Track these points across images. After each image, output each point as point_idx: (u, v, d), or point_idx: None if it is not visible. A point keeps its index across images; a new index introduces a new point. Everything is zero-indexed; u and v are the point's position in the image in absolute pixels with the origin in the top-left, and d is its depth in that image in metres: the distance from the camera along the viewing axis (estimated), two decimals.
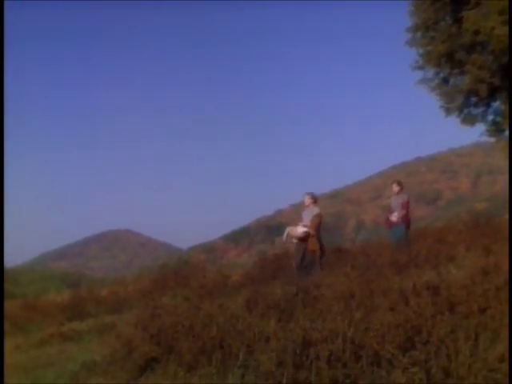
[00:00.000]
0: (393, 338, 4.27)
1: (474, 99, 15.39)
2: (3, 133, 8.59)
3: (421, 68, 15.68)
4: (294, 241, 10.28)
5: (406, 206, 11.53)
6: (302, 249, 10.12)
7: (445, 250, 9.58)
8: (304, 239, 10.06)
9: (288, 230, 10.43)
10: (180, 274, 14.72)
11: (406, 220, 11.44)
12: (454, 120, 15.84)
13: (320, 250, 10.04)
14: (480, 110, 15.63)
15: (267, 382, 4.20)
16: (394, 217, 11.39)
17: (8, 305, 13.43)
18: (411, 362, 4.00)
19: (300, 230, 10.11)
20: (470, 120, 15.72)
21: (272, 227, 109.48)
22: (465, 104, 15.53)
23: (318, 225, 10.25)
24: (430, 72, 15.60)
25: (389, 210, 11.80)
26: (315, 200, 10.63)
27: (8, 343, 8.00)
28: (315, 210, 10.41)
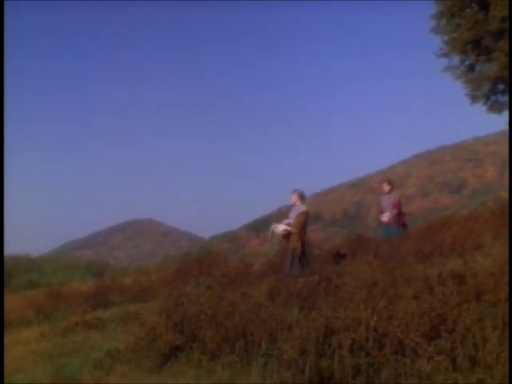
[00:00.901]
0: (417, 326, 4.23)
1: (501, 86, 15.08)
2: (3, 131, 8.59)
3: (446, 55, 15.40)
4: (278, 238, 10.29)
5: (397, 205, 11.07)
6: (286, 246, 10.10)
7: (471, 238, 9.36)
8: (287, 237, 9.97)
9: (272, 227, 10.33)
10: (203, 263, 14.74)
11: (399, 220, 11.00)
12: (479, 108, 15.56)
13: (301, 249, 9.82)
14: (507, 97, 15.32)
15: (290, 370, 4.19)
16: (386, 217, 10.97)
17: (33, 293, 13.67)
18: (436, 351, 3.96)
19: (281, 227, 10.02)
20: (496, 108, 15.40)
21: None
22: (492, 91, 15.24)
23: (302, 223, 10.05)
24: (456, 59, 15.34)
25: (380, 210, 11.40)
26: (302, 198, 10.42)
27: (33, 331, 8.13)
28: (301, 207, 10.23)
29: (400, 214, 11.01)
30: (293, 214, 10.21)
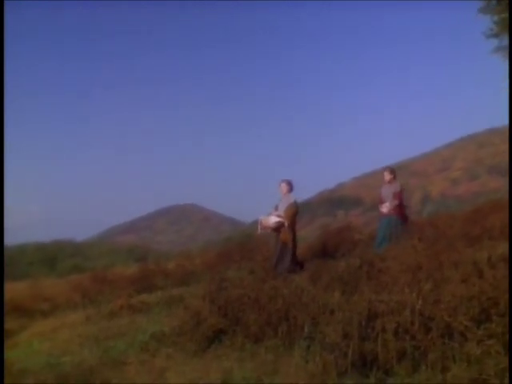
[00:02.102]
0: (466, 310, 4.14)
1: None
2: (3, 130, 8.67)
3: (496, 36, 14.94)
4: (268, 231, 9.77)
5: (398, 195, 10.34)
6: (278, 239, 9.63)
7: None
8: (277, 229, 9.56)
9: (261, 219, 9.85)
10: (244, 248, 14.79)
11: (400, 212, 10.30)
12: None
13: (292, 242, 9.46)
14: None
15: (333, 353, 4.17)
16: (385, 207, 10.26)
17: (78, 277, 13.98)
18: (487, 335, 3.87)
19: (272, 219, 9.58)
20: None
21: (334, 201, 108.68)
22: None
23: (293, 215, 9.65)
24: (506, 40, 14.84)
25: (380, 200, 10.66)
26: (291, 188, 9.95)
27: (79, 314, 8.30)
28: (290, 198, 9.81)
29: (401, 205, 10.35)
30: (282, 206, 9.78)
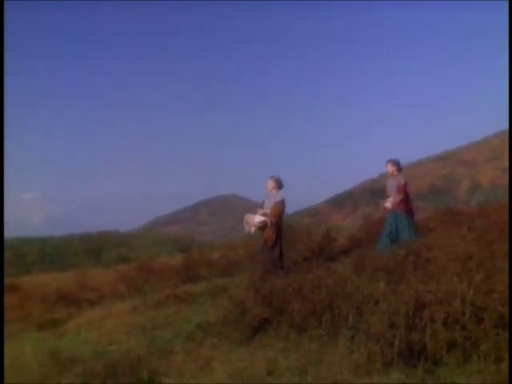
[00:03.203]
0: None
1: None
2: (3, 128, 8.74)
3: None
4: (253, 229, 9.41)
5: (402, 189, 9.60)
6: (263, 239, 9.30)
7: None
8: (263, 229, 9.22)
9: (246, 217, 9.56)
10: (287, 238, 14.76)
11: (405, 206, 9.61)
12: None
13: (275, 241, 9.07)
14: None
15: (378, 343, 4.13)
16: (389, 202, 9.60)
17: (124, 267, 14.23)
18: None
19: (257, 219, 9.28)
20: None
21: (376, 190, 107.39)
22: None
23: (279, 213, 9.27)
24: None
25: (385, 194, 9.93)
26: (279, 185, 9.55)
27: (126, 304, 8.43)
28: (278, 196, 9.42)
29: (406, 200, 9.66)
30: (269, 203, 9.45)
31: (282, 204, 9.32)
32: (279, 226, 9.25)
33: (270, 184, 9.50)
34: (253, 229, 9.45)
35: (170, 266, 13.27)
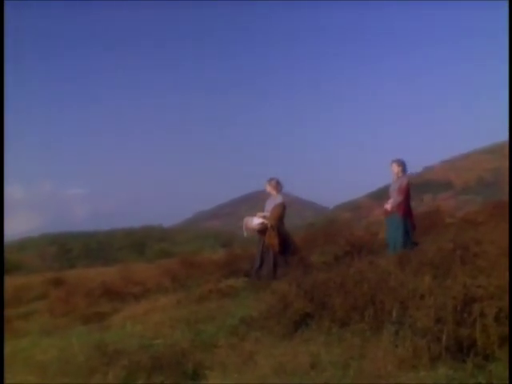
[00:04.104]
0: None
1: None
2: (3, 127, 8.84)
3: None
4: (252, 233, 9.27)
5: (403, 191, 9.24)
6: (261, 242, 9.11)
7: None
8: (262, 232, 9.03)
9: (245, 220, 9.35)
10: (328, 233, 14.76)
11: (404, 209, 9.21)
12: None
13: (280, 246, 8.83)
14: None
15: (425, 338, 4.09)
16: (389, 204, 9.29)
17: (167, 262, 14.41)
18: None
19: (256, 221, 9.08)
20: None
21: (420, 185, 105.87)
22: None
23: (279, 216, 9.05)
24: None
25: (388, 195, 9.60)
26: (279, 187, 9.37)
27: (170, 298, 8.53)
28: (278, 198, 9.24)
29: (406, 202, 9.27)
30: (268, 206, 9.27)
31: (281, 207, 9.12)
32: (280, 229, 9.02)
33: (270, 186, 9.32)
34: (245, 233, 9.31)
35: (213, 260, 13.37)
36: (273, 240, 8.86)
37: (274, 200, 9.26)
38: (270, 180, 9.37)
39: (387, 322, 4.67)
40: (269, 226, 8.93)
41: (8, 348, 6.97)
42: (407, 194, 9.28)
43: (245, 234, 9.44)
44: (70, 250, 66.05)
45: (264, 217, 9.11)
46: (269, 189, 9.37)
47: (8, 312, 10.04)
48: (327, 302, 5.45)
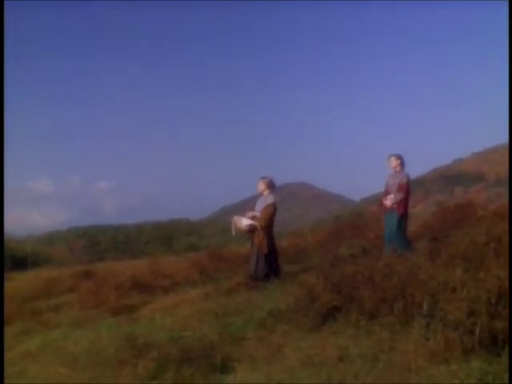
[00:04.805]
0: None
1: None
2: (3, 127, 8.82)
3: None
4: (242, 233, 9.07)
5: (403, 187, 8.89)
6: (252, 243, 8.93)
7: None
8: (252, 232, 8.81)
9: (234, 220, 9.11)
10: (356, 225, 14.66)
11: (403, 206, 8.86)
12: None
13: (267, 246, 8.63)
14: None
15: (457, 331, 4.03)
16: (389, 200, 8.89)
17: (196, 255, 14.49)
18: None
19: (244, 222, 8.85)
20: None
21: (450, 177, 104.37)
22: None
23: (270, 216, 8.81)
24: None
25: (385, 191, 9.17)
26: (271, 186, 9.10)
27: (198, 291, 8.57)
28: (269, 198, 8.98)
29: (406, 199, 8.95)
30: (259, 206, 9.04)
31: (272, 207, 8.93)
32: (270, 229, 8.86)
33: (261, 185, 9.10)
34: (233, 232, 9.08)
35: (240, 253, 13.39)
36: (261, 240, 8.68)
37: (266, 200, 9.03)
38: (263, 179, 9.13)
39: (417, 315, 4.62)
40: (258, 227, 8.74)
41: (38, 340, 7.10)
42: (407, 191, 9.00)
43: (233, 233, 9.17)
44: (99, 243, 66.92)
45: (254, 217, 8.92)
46: (261, 188, 9.13)
47: (39, 304, 10.23)
48: (355, 294, 5.42)
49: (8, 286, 15.09)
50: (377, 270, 5.67)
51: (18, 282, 16.05)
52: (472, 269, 5.04)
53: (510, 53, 9.27)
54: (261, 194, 9.17)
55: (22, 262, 31.23)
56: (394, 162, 9.08)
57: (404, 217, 8.90)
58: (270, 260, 8.73)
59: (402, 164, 9.10)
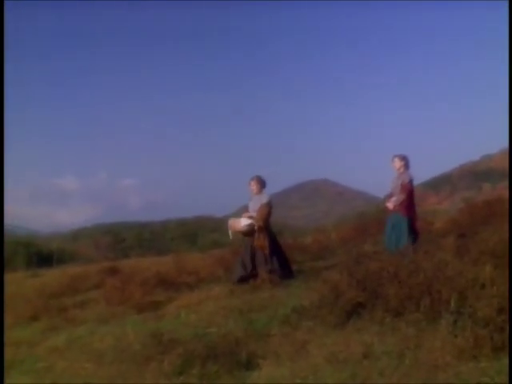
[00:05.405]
0: None
1: None
2: (3, 126, 8.80)
3: None
4: (239, 235, 8.86)
5: (406, 188, 8.65)
6: (249, 245, 8.64)
7: None
8: (250, 234, 8.60)
9: (230, 222, 8.91)
10: (380, 222, 14.52)
11: (407, 207, 8.65)
12: None
13: (269, 247, 8.47)
14: None
15: (487, 328, 3.98)
16: (391, 202, 8.70)
17: (219, 252, 14.49)
18: None
19: (243, 222, 8.62)
20: None
21: (479, 173, 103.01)
22: None
23: (267, 216, 8.61)
24: None
25: (389, 193, 9.04)
26: (263, 185, 8.89)
27: (223, 288, 8.57)
28: (263, 197, 8.78)
29: (409, 200, 8.71)
30: (253, 206, 8.81)
31: (268, 206, 8.75)
32: (269, 229, 8.70)
33: (253, 185, 8.90)
34: (231, 235, 8.95)
35: None
36: (262, 242, 8.53)
37: (260, 199, 8.85)
38: (253, 178, 8.94)
39: (444, 312, 4.57)
40: (256, 227, 8.59)
41: (65, 336, 7.18)
42: (410, 192, 8.78)
43: (230, 236, 9.03)
44: (124, 239, 67.50)
45: (251, 217, 8.73)
46: (253, 187, 8.93)
47: (65, 301, 10.34)
48: (380, 291, 5.38)
49: (34, 282, 15.36)
50: (403, 266, 5.62)
51: (44, 279, 16.25)
52: (502, 266, 4.98)
53: (510, 53, 9.04)
54: (253, 195, 8.98)
55: (47, 259, 31.65)
56: (397, 163, 8.88)
57: (410, 217, 8.72)
58: (280, 261, 8.59)
59: (406, 165, 8.89)
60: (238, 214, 9.32)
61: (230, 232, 8.99)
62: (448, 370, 3.79)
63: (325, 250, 12.90)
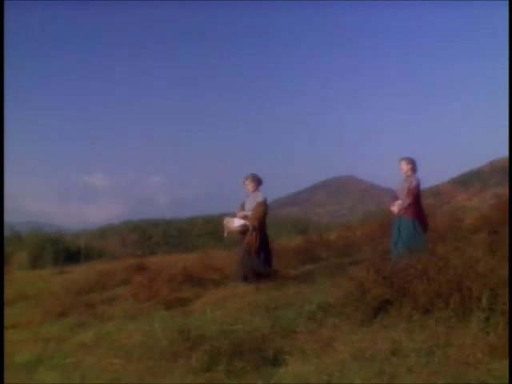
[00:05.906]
0: None
1: None
2: (3, 126, 8.80)
3: None
4: (234, 234, 8.78)
5: (412, 192, 8.42)
6: (242, 243, 8.63)
7: None
8: (244, 233, 8.51)
9: (225, 221, 8.77)
10: None
11: (414, 212, 8.44)
12: None
13: (259, 246, 8.39)
14: None
15: None
16: (396, 206, 8.49)
17: None
18: None
19: (236, 222, 8.53)
20: None
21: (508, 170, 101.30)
22: None
23: (262, 215, 8.53)
24: None
25: (395, 196, 8.78)
26: (259, 184, 8.76)
27: (247, 285, 8.56)
28: (258, 196, 8.66)
29: (416, 204, 8.51)
30: (249, 205, 8.69)
31: (263, 205, 8.66)
32: (262, 229, 8.62)
33: (248, 184, 8.79)
34: (226, 234, 8.87)
35: (290, 247, 13.34)
36: (252, 240, 8.48)
37: (255, 198, 8.76)
38: (248, 177, 8.84)
39: (475, 309, 4.49)
40: (250, 227, 8.53)
41: (93, 332, 7.23)
42: (416, 196, 8.56)
43: (225, 234, 8.96)
44: (151, 236, 67.89)
45: (245, 217, 8.67)
46: (248, 186, 8.83)
47: (93, 297, 10.43)
48: (408, 288, 5.32)
49: (63, 279, 15.56)
50: (431, 263, 5.55)
51: (72, 275, 16.46)
52: None
53: (510, 53, 8.80)
54: (249, 193, 8.90)
55: (75, 256, 32.01)
56: (404, 166, 8.66)
57: (417, 220, 8.52)
58: (261, 259, 8.55)
59: (414, 168, 8.65)
60: None
61: (225, 231, 8.93)
62: (480, 368, 3.73)
63: (350, 246, 12.83)
